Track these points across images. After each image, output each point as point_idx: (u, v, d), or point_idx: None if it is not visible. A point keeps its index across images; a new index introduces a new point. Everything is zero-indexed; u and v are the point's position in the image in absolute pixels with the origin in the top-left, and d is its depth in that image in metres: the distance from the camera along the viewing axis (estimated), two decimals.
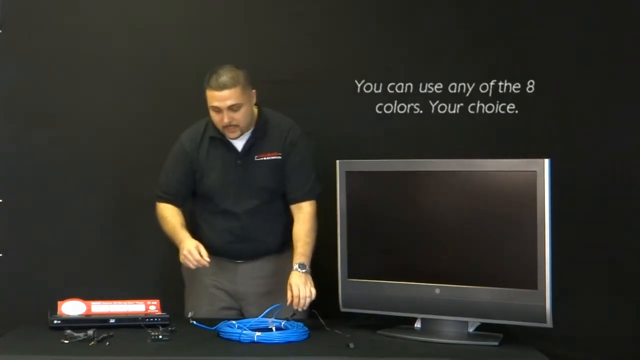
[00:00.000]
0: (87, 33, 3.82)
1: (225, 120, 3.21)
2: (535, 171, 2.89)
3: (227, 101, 3.19)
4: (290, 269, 3.19)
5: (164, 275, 3.81)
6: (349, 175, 3.18)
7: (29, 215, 3.82)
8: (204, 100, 3.75)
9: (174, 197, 3.36)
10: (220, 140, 3.32)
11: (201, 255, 3.14)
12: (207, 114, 3.69)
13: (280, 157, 3.33)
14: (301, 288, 3.12)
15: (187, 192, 3.38)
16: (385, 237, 3.15)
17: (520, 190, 2.93)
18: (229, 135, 3.28)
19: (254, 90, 3.28)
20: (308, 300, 3.12)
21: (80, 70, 3.82)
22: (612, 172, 3.70)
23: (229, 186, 3.31)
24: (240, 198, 3.31)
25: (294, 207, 3.34)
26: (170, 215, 3.32)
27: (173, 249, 3.81)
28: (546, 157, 2.88)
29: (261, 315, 3.08)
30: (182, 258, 3.19)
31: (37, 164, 3.82)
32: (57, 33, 3.82)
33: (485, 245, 2.99)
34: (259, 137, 3.32)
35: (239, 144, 3.32)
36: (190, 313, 3.00)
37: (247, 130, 3.30)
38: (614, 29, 3.72)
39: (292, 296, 3.11)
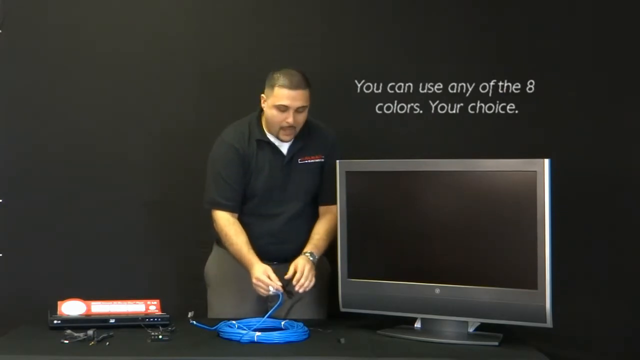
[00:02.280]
0: (87, 33, 3.82)
1: (291, 120, 3.21)
2: (535, 171, 2.89)
3: (299, 102, 3.20)
4: (318, 271, 3.23)
5: (165, 275, 3.82)
6: (349, 175, 3.18)
7: (29, 215, 3.82)
8: (209, 100, 3.78)
9: (235, 202, 3.31)
10: (266, 144, 3.31)
11: (271, 279, 3.12)
12: (209, 113, 3.70)
13: (323, 160, 3.35)
14: (306, 272, 3.14)
15: (243, 195, 3.33)
16: (385, 237, 3.15)
17: (520, 190, 2.93)
18: (285, 137, 3.27)
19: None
20: (306, 285, 3.14)
21: (81, 70, 3.82)
22: (612, 172, 3.70)
23: (275, 189, 3.32)
24: (284, 201, 3.32)
25: (322, 209, 3.36)
26: (234, 233, 3.27)
27: (173, 248, 3.83)
28: (546, 157, 2.88)
29: (266, 316, 3.08)
30: (254, 286, 3.17)
31: (37, 164, 3.82)
32: (57, 33, 3.82)
33: (485, 245, 2.99)
34: (304, 140, 3.33)
35: (284, 148, 3.32)
36: (190, 313, 3.01)
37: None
38: (615, 29, 3.72)
39: (299, 275, 3.12)
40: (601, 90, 3.73)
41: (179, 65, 3.83)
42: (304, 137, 3.33)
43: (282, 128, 3.25)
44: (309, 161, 3.34)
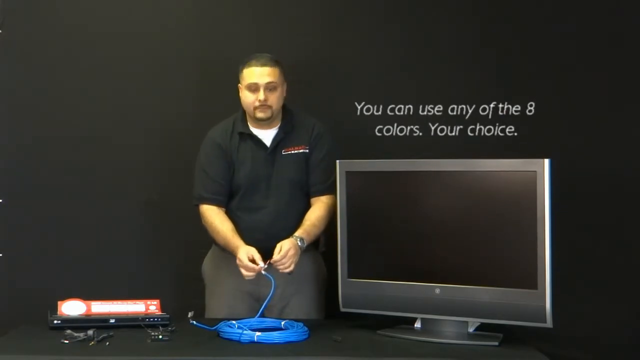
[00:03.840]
0: (87, 33, 3.82)
1: (262, 96, 3.25)
2: (535, 171, 2.89)
3: (266, 77, 3.26)
4: (308, 269, 3.27)
5: (164, 275, 3.82)
6: (349, 175, 3.18)
7: (29, 215, 3.82)
8: (206, 99, 3.78)
9: (220, 196, 3.34)
10: (249, 136, 3.34)
11: (254, 261, 3.12)
12: (208, 112, 3.70)
13: (307, 151, 3.35)
14: (289, 255, 3.12)
15: (229, 189, 3.35)
16: (385, 237, 3.15)
17: (520, 190, 2.93)
18: (260, 115, 3.28)
19: (285, 85, 3.34)
20: (282, 268, 3.13)
21: (81, 70, 3.82)
22: (612, 172, 3.70)
23: (259, 181, 3.32)
24: (270, 193, 3.32)
25: (314, 200, 3.36)
26: (219, 222, 3.30)
27: (173, 248, 3.84)
28: (546, 157, 2.88)
29: (258, 316, 3.08)
30: (239, 268, 3.16)
31: (37, 164, 3.82)
32: (57, 33, 3.82)
33: (485, 245, 2.99)
34: (287, 132, 3.35)
35: (268, 139, 3.34)
36: (190, 313, 3.01)
37: (276, 117, 3.33)
38: (615, 30, 3.72)
39: (279, 257, 3.10)
40: (601, 91, 3.73)
41: (178, 65, 3.83)
42: (287, 128, 3.35)
43: (255, 108, 3.28)
44: (293, 152, 3.35)
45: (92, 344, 2.85)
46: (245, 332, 2.91)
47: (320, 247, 3.44)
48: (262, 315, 3.17)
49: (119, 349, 2.82)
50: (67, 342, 2.87)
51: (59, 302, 3.14)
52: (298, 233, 3.22)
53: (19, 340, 2.96)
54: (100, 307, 3.16)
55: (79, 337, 2.89)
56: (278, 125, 3.35)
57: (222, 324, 2.99)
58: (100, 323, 3.05)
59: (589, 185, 3.68)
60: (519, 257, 2.92)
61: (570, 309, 3.35)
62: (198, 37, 3.84)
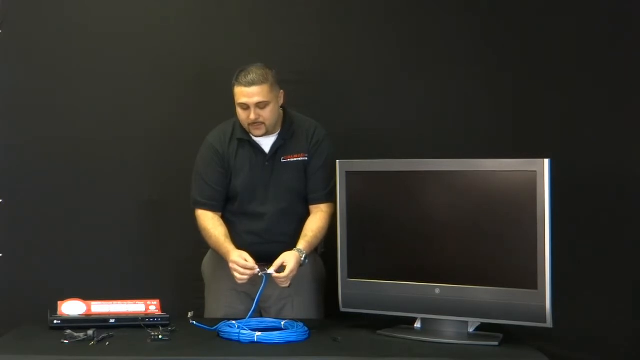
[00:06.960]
0: (86, 33, 3.82)
1: (252, 117, 3.22)
2: (535, 171, 2.89)
3: (255, 97, 3.21)
4: (307, 270, 3.25)
5: (164, 275, 3.82)
6: (349, 175, 3.18)
7: (29, 215, 3.82)
8: (206, 99, 3.79)
9: (215, 202, 3.33)
10: (248, 142, 3.33)
11: (247, 261, 3.11)
12: (208, 111, 3.71)
13: (306, 158, 3.34)
14: (290, 272, 3.11)
15: (225, 195, 3.34)
16: (385, 237, 3.15)
17: (520, 190, 2.93)
18: (255, 132, 3.28)
19: (282, 91, 3.31)
20: (280, 284, 3.14)
21: (81, 70, 3.82)
22: (612, 172, 3.70)
23: (257, 188, 3.31)
24: (267, 200, 3.31)
25: (313, 207, 3.34)
26: (212, 226, 3.29)
27: (173, 248, 3.84)
28: (546, 157, 2.88)
29: (249, 315, 3.09)
30: (231, 271, 3.16)
31: (38, 163, 3.82)
32: (57, 33, 3.82)
33: (485, 245, 2.99)
34: (287, 139, 3.33)
35: (267, 146, 3.32)
36: (190, 313, 3.01)
37: (272, 130, 3.31)
38: (614, 29, 3.72)
39: (283, 275, 3.11)
40: (601, 91, 3.73)
41: (176, 65, 3.83)
42: (286, 135, 3.34)
43: (249, 125, 3.26)
44: (292, 160, 3.33)
45: (92, 344, 2.85)
46: (245, 332, 2.91)
47: (319, 249, 3.44)
48: (261, 316, 3.17)
49: (119, 349, 2.82)
50: (67, 342, 2.87)
51: (59, 302, 3.14)
52: (301, 246, 3.21)
53: (19, 340, 2.96)
54: (100, 307, 3.17)
55: (79, 337, 2.89)
56: (278, 132, 3.33)
57: (222, 324, 3.00)
58: (100, 323, 3.05)
59: (588, 185, 3.68)
60: (519, 257, 2.93)
61: (570, 309, 3.36)
62: (198, 37, 3.84)
